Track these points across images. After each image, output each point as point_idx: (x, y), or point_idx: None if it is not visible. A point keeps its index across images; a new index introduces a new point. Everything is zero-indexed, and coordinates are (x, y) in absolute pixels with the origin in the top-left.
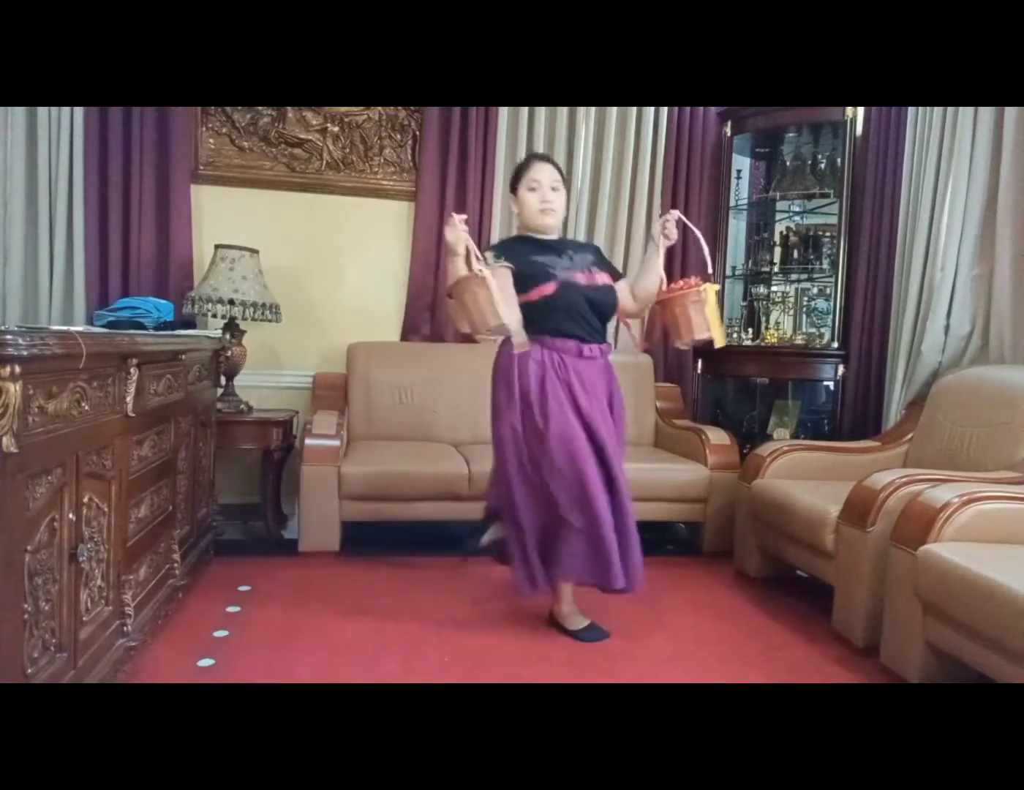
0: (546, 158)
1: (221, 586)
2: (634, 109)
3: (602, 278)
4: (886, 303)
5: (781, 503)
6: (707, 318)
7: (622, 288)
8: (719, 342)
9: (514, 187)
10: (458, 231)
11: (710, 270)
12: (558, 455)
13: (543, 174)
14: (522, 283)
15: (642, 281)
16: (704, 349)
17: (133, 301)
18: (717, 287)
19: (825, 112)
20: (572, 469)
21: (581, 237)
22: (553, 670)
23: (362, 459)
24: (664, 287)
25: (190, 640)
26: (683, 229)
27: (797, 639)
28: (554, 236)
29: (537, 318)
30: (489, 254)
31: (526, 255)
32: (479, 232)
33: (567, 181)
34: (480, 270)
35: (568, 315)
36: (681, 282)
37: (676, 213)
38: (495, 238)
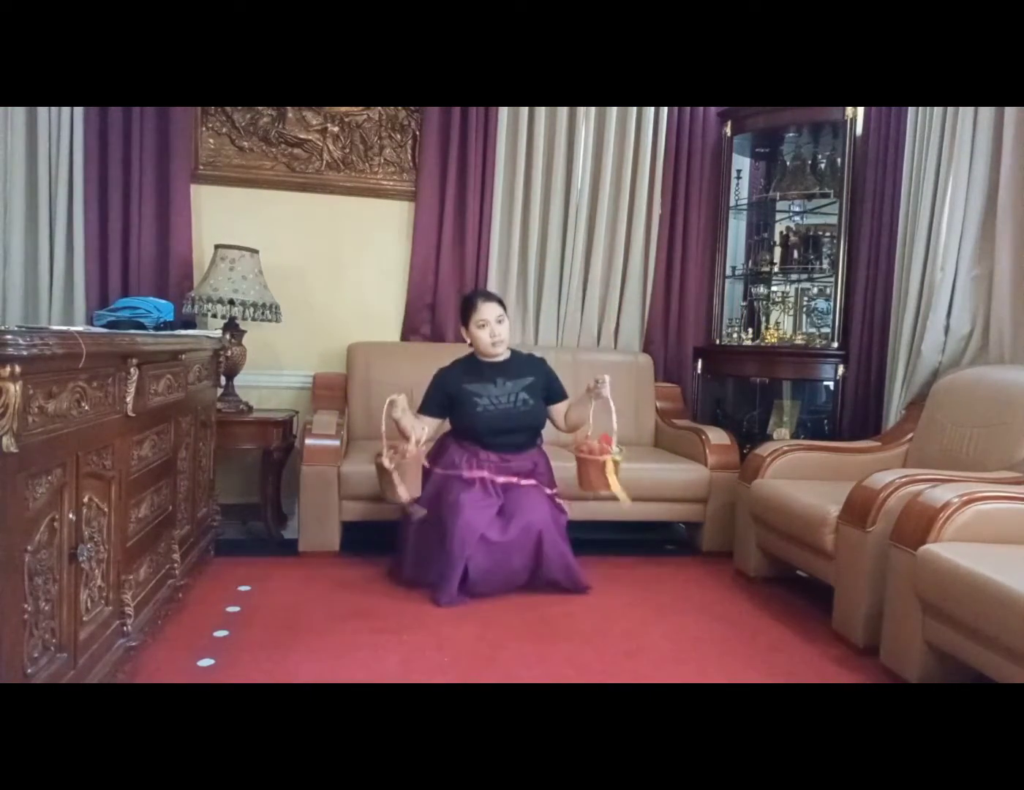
0: (489, 296)
1: (221, 586)
2: (634, 109)
3: (530, 401)
4: (886, 303)
5: (781, 503)
6: (608, 481)
7: (559, 409)
8: (622, 502)
9: (465, 322)
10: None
11: (614, 438)
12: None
13: (489, 312)
14: (453, 409)
15: (572, 416)
16: (704, 349)
17: (133, 301)
18: (619, 457)
19: (825, 112)
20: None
21: (581, 238)
22: (553, 670)
23: (362, 459)
24: (583, 447)
25: (190, 640)
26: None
27: (797, 639)
28: (501, 358)
29: (464, 433)
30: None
31: (462, 383)
32: (479, 232)
33: (506, 308)
34: (387, 463)
35: (488, 435)
36: (596, 444)
37: (606, 377)
38: (495, 239)
